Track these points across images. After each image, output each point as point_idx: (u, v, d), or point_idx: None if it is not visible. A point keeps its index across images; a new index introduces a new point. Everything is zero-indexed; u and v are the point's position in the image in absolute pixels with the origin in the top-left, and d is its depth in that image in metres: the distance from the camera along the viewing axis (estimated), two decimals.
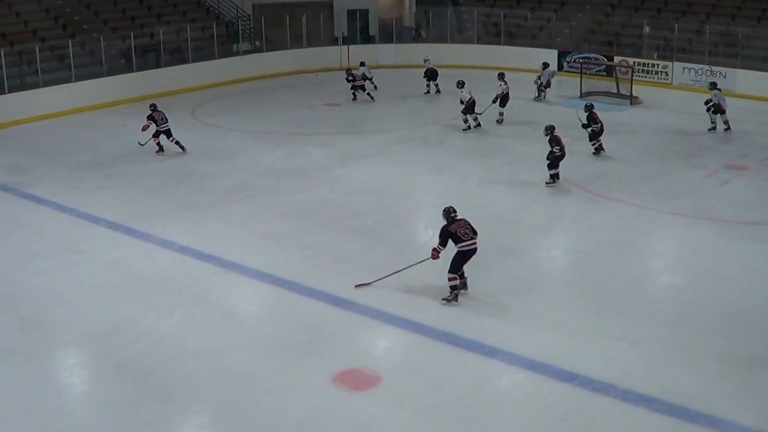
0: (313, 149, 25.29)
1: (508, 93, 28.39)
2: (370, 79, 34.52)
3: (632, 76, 32.93)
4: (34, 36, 35.79)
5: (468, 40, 41.12)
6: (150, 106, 26.10)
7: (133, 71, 35.62)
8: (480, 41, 41.02)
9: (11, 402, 12.91)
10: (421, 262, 16.11)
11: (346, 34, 42.49)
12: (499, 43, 40.24)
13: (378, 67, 39.32)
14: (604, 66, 35.91)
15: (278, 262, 17.60)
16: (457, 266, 15.53)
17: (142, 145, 26.11)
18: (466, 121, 27.25)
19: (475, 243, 15.51)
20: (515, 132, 27.67)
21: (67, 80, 33.69)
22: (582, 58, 36.66)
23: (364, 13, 43.33)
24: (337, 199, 21.35)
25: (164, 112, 25.74)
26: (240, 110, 31.02)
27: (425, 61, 35.22)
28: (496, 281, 16.47)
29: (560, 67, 37.39)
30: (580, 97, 31.65)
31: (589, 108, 24.69)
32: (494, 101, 28.17)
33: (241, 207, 20.88)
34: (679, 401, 12.35)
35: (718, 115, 27.13)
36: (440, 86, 33.87)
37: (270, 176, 23.24)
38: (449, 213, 15.75)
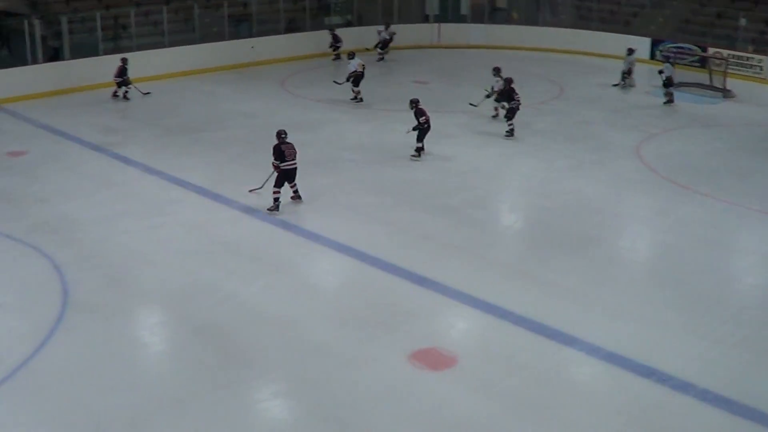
0: (400, 126, 25.24)
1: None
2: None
3: (726, 68, 32.14)
4: (130, 1, 36.15)
5: (560, 24, 40.51)
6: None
7: (225, 40, 35.80)
8: (572, 25, 40.46)
9: (90, 355, 13.18)
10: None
11: (437, 13, 42.16)
12: (590, 28, 39.63)
13: (469, 46, 39.10)
14: (697, 57, 35.18)
15: (361, 236, 17.63)
16: (278, 182, 18.65)
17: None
18: (496, 108, 26.55)
19: (295, 164, 18.75)
20: (606, 119, 27.25)
21: (160, 45, 34.01)
22: (675, 47, 36.00)
23: None
24: (423, 176, 21.28)
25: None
26: (328, 83, 31.03)
27: (379, 32, 37.00)
28: (578, 269, 16.30)
29: (653, 56, 36.73)
30: (670, 86, 30.75)
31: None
32: (488, 96, 26.82)
33: (325, 179, 20.88)
34: (759, 406, 12.11)
35: None
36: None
37: (355, 150, 23.26)
38: (280, 135, 18.76)
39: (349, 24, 40.74)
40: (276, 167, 18.71)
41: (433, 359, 13.06)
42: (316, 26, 38.87)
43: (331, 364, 12.94)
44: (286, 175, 18.81)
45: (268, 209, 18.75)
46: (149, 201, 19.74)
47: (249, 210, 18.93)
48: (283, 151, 18.62)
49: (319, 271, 16.50)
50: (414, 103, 22.11)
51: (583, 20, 40.52)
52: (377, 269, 16.16)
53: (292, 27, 38.02)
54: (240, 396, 12.24)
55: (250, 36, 36.91)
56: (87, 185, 20.75)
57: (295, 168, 18.84)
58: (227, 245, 17.23)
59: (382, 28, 37.04)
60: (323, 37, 37.09)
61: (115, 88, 29.30)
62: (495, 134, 25.15)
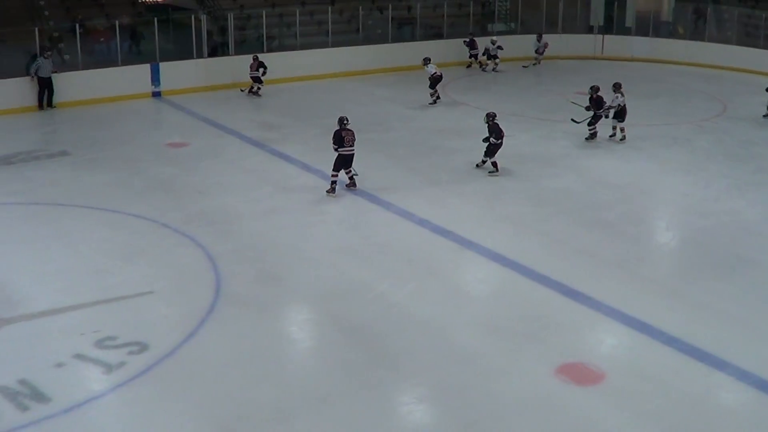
0: (560, 136, 24.75)
1: (625, 106, 25.36)
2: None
3: None
4: (296, 0, 36.58)
5: (726, 40, 39.27)
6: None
7: (388, 42, 35.87)
8: (738, 42, 39.18)
9: (238, 347, 13.20)
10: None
11: (601, 23, 41.48)
12: (758, 46, 38.25)
13: (632, 59, 38.34)
14: None
15: (515, 245, 17.29)
16: (336, 167, 19.61)
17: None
18: (614, 128, 25.17)
19: (353, 150, 19.67)
20: None
21: (324, 45, 34.35)
22: None
23: (622, 3, 42.01)
24: (580, 189, 20.81)
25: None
26: (489, 90, 30.78)
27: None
28: (733, 292, 15.54)
29: None
30: None
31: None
32: (606, 116, 25.16)
33: (482, 186, 20.63)
34: None
35: None
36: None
37: (514, 159, 22.83)
38: (342, 121, 19.85)
39: (511, 31, 40.40)
40: (336, 151, 19.62)
41: (580, 374, 12.67)
42: (479, 32, 38.66)
43: (476, 372, 12.67)
44: (344, 161, 19.71)
45: (326, 191, 19.72)
46: (306, 199, 19.78)
47: (405, 213, 18.78)
48: (342, 137, 19.56)
49: (470, 278, 16.27)
50: (491, 117, 21.44)
51: (750, 37, 39.16)
52: (529, 280, 15.79)
53: (454, 32, 37.88)
54: (384, 397, 12.09)
55: (413, 39, 36.94)
56: (245, 180, 20.97)
57: (353, 154, 19.76)
58: (381, 246, 17.12)
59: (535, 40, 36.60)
60: (486, 43, 36.82)
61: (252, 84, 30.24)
62: (653, 149, 24.48)
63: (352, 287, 15.25)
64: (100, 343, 12.97)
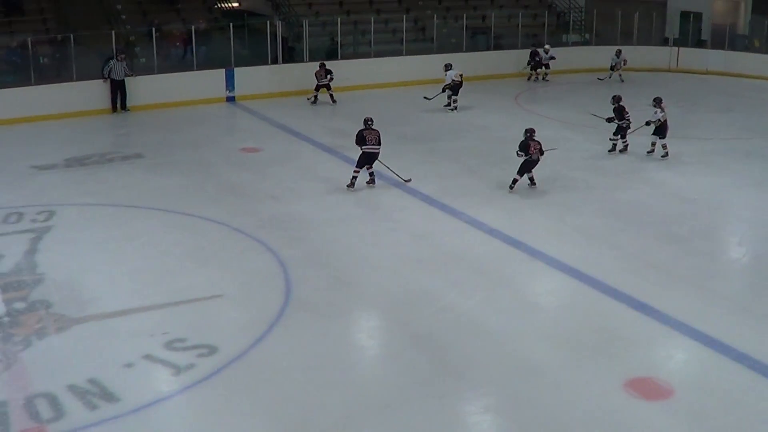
0: (633, 148, 24.47)
1: (666, 122, 24.27)
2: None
3: None
4: (371, 7, 36.71)
5: None
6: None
7: (462, 51, 35.82)
8: None
9: (306, 352, 13.19)
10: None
11: (676, 36, 41.07)
12: None
13: (707, 72, 37.86)
14: None
15: (586, 258, 17.07)
16: (359, 163, 20.69)
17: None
18: (653, 144, 24.32)
19: (376, 149, 20.74)
20: None
21: (398, 53, 34.40)
22: None
23: (698, 17, 41.56)
24: (653, 202, 20.50)
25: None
26: (562, 101, 30.56)
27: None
28: None
29: None
30: None
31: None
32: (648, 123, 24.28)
33: (554, 197, 20.45)
34: None
35: None
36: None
37: (586, 170, 22.68)
38: (366, 122, 21.01)
39: (586, 43, 40.15)
40: (361, 149, 20.68)
41: (648, 389, 12.45)
42: (553, 43, 38.46)
43: (544, 384, 12.52)
44: (367, 158, 20.66)
45: (346, 185, 20.60)
46: (378, 206, 19.84)
47: (476, 222, 18.68)
48: (364, 137, 20.61)
49: (540, 290, 16.11)
50: (529, 133, 20.89)
51: None
52: (599, 293, 15.57)
53: (528, 43, 37.73)
54: (450, 407, 11.97)
55: (486, 49, 36.86)
56: (318, 186, 21.01)
57: (375, 153, 20.73)
58: (451, 256, 17.01)
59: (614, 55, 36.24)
60: (560, 54, 36.59)
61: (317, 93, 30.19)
62: (726, 163, 24.12)
63: (421, 295, 15.17)
64: (170, 345, 13.04)
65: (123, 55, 28.43)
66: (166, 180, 21.17)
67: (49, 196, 19.85)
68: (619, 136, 24.35)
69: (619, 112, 24.05)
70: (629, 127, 24.27)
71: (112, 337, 13.43)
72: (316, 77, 30.01)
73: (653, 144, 24.24)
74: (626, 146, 24.39)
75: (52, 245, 17.01)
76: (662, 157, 23.94)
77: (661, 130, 24.02)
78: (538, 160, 20.56)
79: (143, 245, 17.12)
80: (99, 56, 28.90)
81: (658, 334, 14.21)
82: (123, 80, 28.26)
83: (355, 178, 20.52)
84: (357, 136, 20.63)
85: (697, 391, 12.51)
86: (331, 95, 30.07)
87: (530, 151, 20.40)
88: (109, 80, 28.08)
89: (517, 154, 20.58)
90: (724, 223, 19.92)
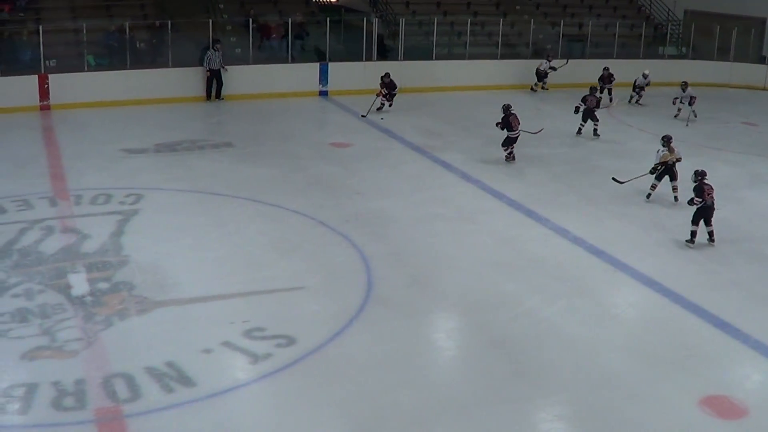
0: (721, 165, 24.03)
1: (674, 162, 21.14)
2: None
3: None
4: (468, 9, 36.64)
5: None
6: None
7: (557, 58, 35.58)
8: None
9: (384, 350, 13.19)
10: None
11: None
12: None
13: None
14: None
15: (669, 271, 16.83)
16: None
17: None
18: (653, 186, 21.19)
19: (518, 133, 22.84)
20: None
21: (493, 57, 34.35)
22: None
23: None
24: (739, 220, 20.09)
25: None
26: (654, 113, 30.18)
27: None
28: None
29: None
30: None
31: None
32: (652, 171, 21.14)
33: (640, 209, 20.17)
34: None
35: None
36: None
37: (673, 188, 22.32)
38: (508, 108, 23.18)
39: (683, 56, 39.61)
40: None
41: (723, 407, 12.23)
42: (649, 54, 38.05)
43: (618, 396, 12.38)
44: (509, 141, 22.98)
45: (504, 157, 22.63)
46: (463, 208, 19.74)
47: (560, 230, 18.54)
48: (510, 122, 22.68)
49: (621, 301, 15.88)
50: (700, 176, 20.15)
51: None
52: (680, 307, 15.35)
53: (624, 53, 37.33)
54: (524, 412, 11.91)
55: (582, 57, 36.57)
56: (404, 184, 21.04)
57: (518, 136, 22.93)
58: (534, 261, 16.89)
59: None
60: (656, 66, 36.14)
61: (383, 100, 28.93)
62: None
63: (502, 299, 15.11)
64: (249, 333, 13.14)
65: (219, 45, 28.74)
66: (254, 170, 21.35)
67: (138, 180, 20.14)
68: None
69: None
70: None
71: (192, 322, 13.59)
72: (384, 88, 28.74)
73: (653, 187, 21.02)
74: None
75: (138, 228, 17.26)
76: (674, 200, 20.91)
77: (668, 173, 20.95)
78: (712, 206, 18.38)
79: (228, 233, 17.28)
80: (195, 44, 29.27)
81: (737, 353, 13.98)
82: (219, 70, 28.58)
83: (511, 153, 23.01)
84: (503, 121, 22.92)
85: None
86: (382, 105, 28.79)
87: (704, 196, 18.27)
88: (208, 69, 28.43)
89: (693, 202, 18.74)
90: None
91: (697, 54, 39.59)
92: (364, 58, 31.79)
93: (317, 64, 30.60)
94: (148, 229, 17.24)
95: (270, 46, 31.72)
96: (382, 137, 25.30)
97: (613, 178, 21.14)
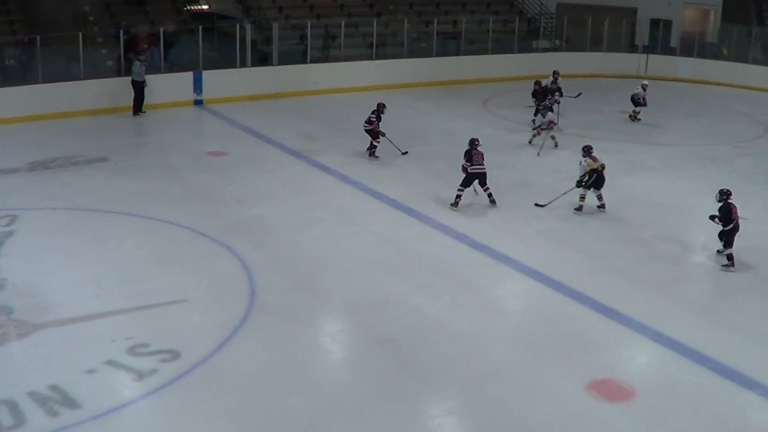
0: (598, 154, 24.48)
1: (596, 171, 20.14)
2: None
3: None
4: (341, 11, 36.68)
5: None
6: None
7: (432, 56, 35.87)
8: None
9: (271, 357, 13.19)
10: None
11: (646, 43, 41.32)
12: None
13: (675, 79, 38.11)
14: None
15: (550, 261, 17.19)
16: (464, 183, 19.86)
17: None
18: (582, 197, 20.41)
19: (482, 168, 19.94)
20: None
21: (367, 58, 34.37)
22: None
23: (668, 24, 41.85)
24: (617, 207, 20.52)
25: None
26: (531, 107, 30.56)
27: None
28: (763, 313, 15.43)
29: None
30: None
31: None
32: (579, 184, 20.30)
33: (519, 201, 20.49)
34: None
35: None
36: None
37: (553, 175, 22.69)
38: (473, 142, 20.17)
39: (556, 49, 40.28)
40: (464, 169, 19.82)
41: (610, 391, 12.58)
42: (523, 49, 38.61)
43: (507, 387, 12.62)
44: (471, 178, 19.93)
45: (450, 204, 19.77)
46: (343, 210, 19.80)
47: (441, 226, 18.71)
48: (472, 156, 19.89)
49: (504, 293, 16.18)
50: (586, 150, 20.34)
51: None
52: (563, 296, 15.71)
53: (498, 48, 37.80)
54: (414, 410, 12.00)
55: (457, 54, 36.90)
56: (283, 190, 21.00)
57: (483, 173, 19.96)
58: (416, 260, 17.01)
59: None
60: (529, 60, 36.71)
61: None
62: (691, 169, 24.47)
63: (386, 299, 15.19)
64: (132, 350, 12.96)
65: (143, 56, 28.33)
66: (131, 184, 21.01)
67: (11, 201, 19.61)
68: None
69: (728, 213, 17.39)
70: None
71: (73, 342, 13.32)
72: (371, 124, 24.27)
73: (582, 198, 20.27)
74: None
75: (13, 250, 16.83)
76: (598, 207, 20.37)
77: (596, 182, 20.15)
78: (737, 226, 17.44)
79: (107, 250, 16.98)
80: (65, 58, 28.68)
81: (621, 336, 14.35)
82: (143, 82, 28.13)
83: (459, 197, 19.87)
84: (465, 155, 20.00)
85: (658, 392, 12.65)
86: (375, 148, 24.28)
87: (732, 216, 17.31)
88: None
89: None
90: (688, 228, 19.95)
91: (571, 46, 40.43)
92: (238, 65, 31.56)
93: (191, 73, 30.25)
94: (24, 251, 16.82)
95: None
96: (259, 144, 25.16)
97: (536, 204, 20.54)
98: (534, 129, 25.80)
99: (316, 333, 14.32)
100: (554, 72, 30.24)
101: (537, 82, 28.61)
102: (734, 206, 17.37)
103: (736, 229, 17.33)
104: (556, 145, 25.31)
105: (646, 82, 30.91)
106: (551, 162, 24.22)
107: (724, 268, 17.30)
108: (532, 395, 12.41)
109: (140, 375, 12.35)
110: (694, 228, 19.85)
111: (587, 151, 20.31)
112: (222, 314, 14.33)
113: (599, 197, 20.33)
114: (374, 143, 23.66)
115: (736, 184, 21.65)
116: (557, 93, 28.81)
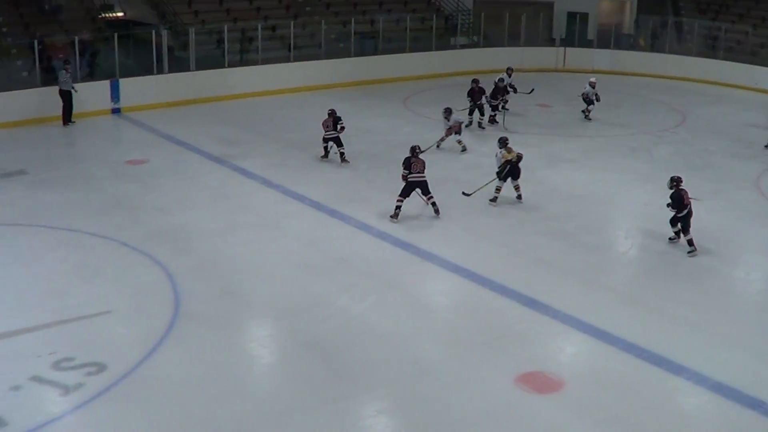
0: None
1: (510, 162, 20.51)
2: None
3: None
4: (258, 14, 36.55)
5: (686, 52, 39.61)
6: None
7: (350, 56, 35.92)
8: (698, 54, 39.54)
9: (198, 365, 13.15)
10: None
11: (563, 36, 41.82)
12: (717, 57, 38.69)
13: (593, 71, 38.62)
14: None
15: (475, 257, 17.37)
16: (403, 192, 19.15)
17: None
18: (498, 189, 20.72)
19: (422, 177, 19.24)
20: (728, 149, 26.50)
21: (285, 60, 34.32)
22: None
23: (584, 17, 42.38)
24: (539, 200, 20.80)
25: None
26: (452, 103, 30.76)
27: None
28: (691, 299, 15.87)
29: None
30: None
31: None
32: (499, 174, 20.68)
33: (440, 198, 20.18)
34: None
35: None
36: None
37: (472, 170, 22.88)
38: (414, 149, 19.45)
39: (474, 45, 40.55)
40: (403, 177, 19.19)
41: (539, 382, 12.79)
42: (441, 46, 38.79)
43: (437, 384, 12.71)
44: (411, 186, 19.23)
45: (390, 216, 19.15)
46: (266, 214, 19.77)
47: (364, 227, 18.80)
48: (410, 164, 19.18)
49: (430, 290, 16.31)
50: (502, 142, 20.71)
51: (709, 49, 39.64)
52: (489, 290, 15.90)
53: (417, 46, 37.95)
54: (345, 411, 12.07)
55: (375, 53, 36.98)
56: (205, 196, 20.89)
57: (422, 181, 19.30)
58: (341, 261, 17.09)
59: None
60: (448, 57, 36.93)
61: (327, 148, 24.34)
62: (612, 159, 24.91)
63: (312, 302, 15.22)
64: (57, 365, 12.83)
65: (69, 65, 27.89)
66: (49, 196, 20.71)
67: None
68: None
69: (680, 199, 17.78)
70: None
71: None
72: (323, 127, 23.95)
73: (498, 189, 20.60)
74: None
75: None
76: (517, 198, 20.73)
77: (511, 173, 20.50)
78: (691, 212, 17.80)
79: (27, 264, 16.74)
80: None
81: (548, 328, 14.58)
82: (70, 91, 27.69)
83: (399, 207, 19.16)
84: (404, 163, 19.26)
85: (587, 382, 12.91)
86: (342, 153, 23.88)
87: (684, 203, 17.75)
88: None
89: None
90: (610, 218, 20.35)
91: (489, 42, 40.67)
92: (155, 72, 31.30)
93: (107, 82, 29.91)
94: None
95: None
96: (179, 150, 24.98)
97: (463, 192, 21.05)
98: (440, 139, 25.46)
99: (242, 339, 14.32)
100: (507, 68, 30.65)
101: (474, 81, 28.60)
102: (685, 192, 17.77)
103: (689, 214, 17.70)
104: (464, 149, 25.24)
105: (593, 78, 30.52)
106: (472, 158, 24.41)
107: (689, 254, 17.62)
108: (461, 391, 12.53)
109: (66, 389, 12.24)
110: (616, 218, 20.23)
111: (503, 142, 20.65)
112: (147, 324, 14.25)
113: (516, 188, 20.62)
114: (341, 150, 23.47)
115: (656, 173, 22.21)
116: (510, 90, 29.46)
